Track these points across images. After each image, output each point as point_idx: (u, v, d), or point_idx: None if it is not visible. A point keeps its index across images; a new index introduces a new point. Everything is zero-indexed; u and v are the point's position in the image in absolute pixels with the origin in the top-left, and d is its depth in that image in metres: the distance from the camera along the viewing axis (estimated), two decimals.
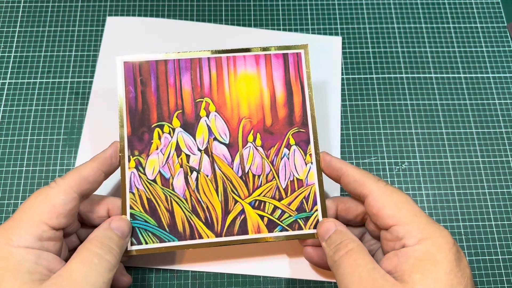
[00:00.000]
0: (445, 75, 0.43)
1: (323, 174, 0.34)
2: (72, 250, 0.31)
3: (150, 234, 0.32)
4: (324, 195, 0.33)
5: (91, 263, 0.27)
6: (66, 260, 0.29)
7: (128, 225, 0.31)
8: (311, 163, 0.34)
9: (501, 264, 0.36)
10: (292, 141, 0.34)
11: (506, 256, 0.37)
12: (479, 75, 0.43)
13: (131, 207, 0.32)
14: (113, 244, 0.29)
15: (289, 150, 0.34)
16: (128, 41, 0.43)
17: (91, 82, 0.41)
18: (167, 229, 0.32)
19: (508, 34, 0.45)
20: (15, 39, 0.43)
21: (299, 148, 0.34)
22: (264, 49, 0.36)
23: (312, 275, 0.35)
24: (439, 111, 0.42)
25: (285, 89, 0.35)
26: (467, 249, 0.37)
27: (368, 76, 0.43)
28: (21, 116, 0.40)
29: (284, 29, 0.44)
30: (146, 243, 0.32)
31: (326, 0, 0.46)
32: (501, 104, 0.42)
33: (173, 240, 0.32)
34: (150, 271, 0.35)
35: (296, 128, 0.35)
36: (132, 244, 0.32)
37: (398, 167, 0.40)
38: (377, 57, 0.44)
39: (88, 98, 0.41)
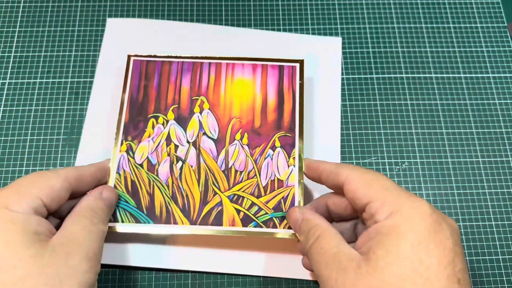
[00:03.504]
0: (445, 75, 0.43)
1: (305, 177, 0.35)
2: None
3: (128, 213, 0.34)
4: (303, 198, 0.34)
5: (90, 231, 0.29)
6: None
7: (116, 196, 0.33)
8: (294, 166, 0.35)
9: (501, 264, 0.36)
10: (277, 143, 0.36)
11: (506, 256, 0.37)
12: (479, 75, 0.43)
13: (115, 186, 0.34)
14: (104, 214, 0.31)
15: (273, 151, 0.36)
16: (128, 42, 0.43)
17: (91, 82, 0.41)
18: (145, 211, 0.34)
19: (508, 34, 0.45)
20: (15, 39, 0.43)
21: (284, 151, 0.36)
22: (261, 59, 0.39)
23: (312, 275, 0.35)
24: (439, 111, 0.42)
25: (277, 96, 0.38)
26: (467, 249, 0.37)
27: (368, 76, 0.43)
28: (21, 116, 0.40)
29: (284, 29, 0.44)
30: (123, 221, 0.33)
31: (326, 0, 0.46)
32: (501, 104, 0.42)
33: (149, 222, 0.34)
34: (150, 271, 0.35)
35: (283, 132, 0.36)
36: (109, 221, 0.33)
37: (398, 167, 0.40)
38: (377, 57, 0.44)
39: (88, 98, 0.41)
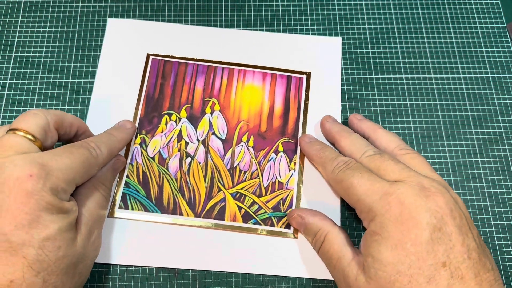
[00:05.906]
0: (444, 75, 0.43)
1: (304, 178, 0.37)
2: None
3: (138, 202, 0.36)
4: (300, 201, 0.37)
5: (102, 206, 0.33)
6: None
7: (124, 165, 0.37)
8: (294, 170, 0.38)
9: (501, 264, 0.36)
10: (280, 148, 0.39)
11: (506, 256, 0.37)
12: (478, 75, 0.43)
13: (127, 176, 0.37)
14: (111, 184, 0.35)
15: (276, 155, 0.38)
16: (129, 42, 0.43)
17: (91, 83, 0.42)
18: (153, 200, 0.37)
19: (508, 34, 0.45)
20: (16, 40, 0.43)
21: (286, 156, 0.39)
22: (271, 68, 0.41)
23: (312, 273, 0.35)
24: (439, 111, 0.42)
25: (283, 104, 0.40)
26: None
27: (368, 76, 0.43)
28: None
29: (284, 30, 0.45)
30: (133, 209, 0.36)
31: (326, 1, 0.46)
32: (501, 104, 0.42)
33: (157, 212, 0.36)
34: (150, 271, 0.35)
35: (286, 138, 0.39)
36: (120, 207, 0.36)
37: None
38: (377, 58, 0.44)
39: (89, 99, 0.41)
